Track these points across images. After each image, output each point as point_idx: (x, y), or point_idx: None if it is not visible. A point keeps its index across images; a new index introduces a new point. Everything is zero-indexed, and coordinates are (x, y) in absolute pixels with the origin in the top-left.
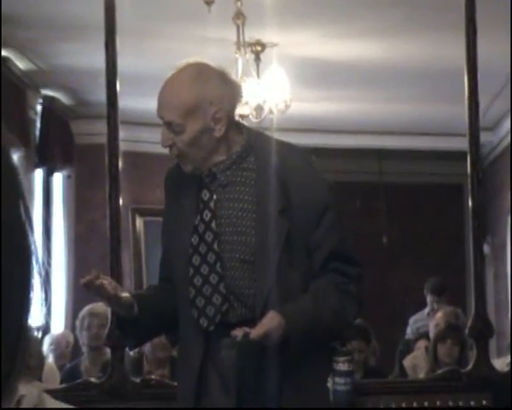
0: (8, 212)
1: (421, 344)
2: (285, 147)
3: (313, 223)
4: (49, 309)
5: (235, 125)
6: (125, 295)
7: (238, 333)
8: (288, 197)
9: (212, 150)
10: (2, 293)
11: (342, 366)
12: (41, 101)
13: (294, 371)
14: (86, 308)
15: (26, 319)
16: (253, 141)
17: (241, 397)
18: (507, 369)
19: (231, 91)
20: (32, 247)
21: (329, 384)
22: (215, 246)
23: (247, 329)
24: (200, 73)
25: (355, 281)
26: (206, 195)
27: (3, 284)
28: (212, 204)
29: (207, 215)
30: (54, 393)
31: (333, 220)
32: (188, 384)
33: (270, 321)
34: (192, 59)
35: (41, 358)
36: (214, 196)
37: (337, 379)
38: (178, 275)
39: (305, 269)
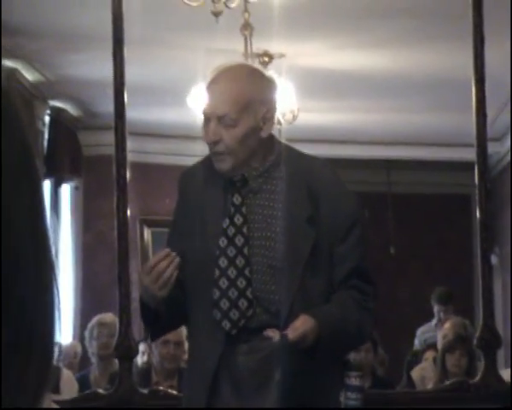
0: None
1: (429, 355)
2: (313, 159)
3: (340, 236)
4: (60, 320)
5: (269, 135)
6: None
7: (272, 334)
8: (317, 207)
9: (253, 153)
10: (35, 313)
11: (354, 380)
12: (49, 112)
13: (311, 381)
14: (95, 318)
15: (55, 338)
16: (283, 151)
17: (282, 401)
18: None
19: (276, 97)
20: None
21: (341, 398)
22: (245, 251)
23: (281, 331)
24: (254, 72)
25: (372, 299)
26: (237, 199)
27: (35, 304)
28: (244, 209)
29: (239, 219)
30: (62, 404)
31: (359, 236)
32: (199, 388)
33: (305, 323)
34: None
35: (56, 369)
36: (245, 201)
37: (349, 394)
38: (198, 275)
39: (328, 279)
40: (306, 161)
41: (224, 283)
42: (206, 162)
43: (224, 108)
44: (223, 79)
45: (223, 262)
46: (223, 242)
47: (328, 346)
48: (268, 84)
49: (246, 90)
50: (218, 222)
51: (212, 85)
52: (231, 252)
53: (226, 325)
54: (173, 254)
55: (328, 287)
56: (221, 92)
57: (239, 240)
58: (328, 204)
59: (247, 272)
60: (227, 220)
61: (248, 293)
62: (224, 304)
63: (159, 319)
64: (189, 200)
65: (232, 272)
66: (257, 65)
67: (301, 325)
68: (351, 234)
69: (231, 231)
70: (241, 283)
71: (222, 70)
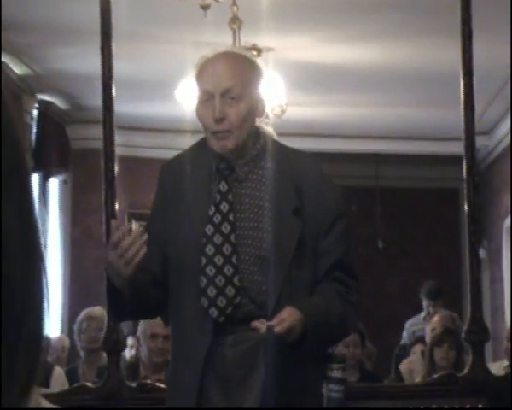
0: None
1: (418, 348)
2: (299, 153)
3: (324, 228)
4: (49, 311)
5: (255, 126)
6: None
7: (260, 326)
8: (302, 200)
9: (249, 136)
10: (24, 305)
11: (337, 373)
12: (37, 105)
13: (294, 374)
14: (84, 312)
15: (44, 329)
16: (269, 143)
17: (265, 392)
18: (503, 373)
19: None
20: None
21: (323, 390)
22: (232, 238)
23: (267, 322)
24: (249, 57)
25: (355, 293)
26: (224, 187)
27: (24, 296)
28: (230, 196)
29: (225, 207)
30: (50, 397)
31: (343, 230)
32: (188, 381)
33: (292, 316)
34: None
35: (47, 364)
36: (232, 189)
37: (331, 386)
38: (183, 264)
39: (313, 271)
40: (290, 153)
41: (211, 270)
42: (192, 152)
43: (230, 82)
44: (223, 58)
45: (209, 250)
46: (209, 229)
47: (313, 338)
48: (261, 70)
49: (248, 68)
50: (204, 210)
51: (212, 63)
52: (218, 239)
53: (213, 312)
54: (138, 229)
55: (312, 279)
56: (225, 68)
57: (225, 227)
58: (313, 197)
59: (234, 259)
60: (213, 208)
61: (235, 280)
62: (212, 291)
63: (122, 301)
64: (170, 189)
65: (219, 260)
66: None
67: (288, 317)
68: (335, 227)
69: (217, 218)
70: (228, 270)
71: (219, 52)
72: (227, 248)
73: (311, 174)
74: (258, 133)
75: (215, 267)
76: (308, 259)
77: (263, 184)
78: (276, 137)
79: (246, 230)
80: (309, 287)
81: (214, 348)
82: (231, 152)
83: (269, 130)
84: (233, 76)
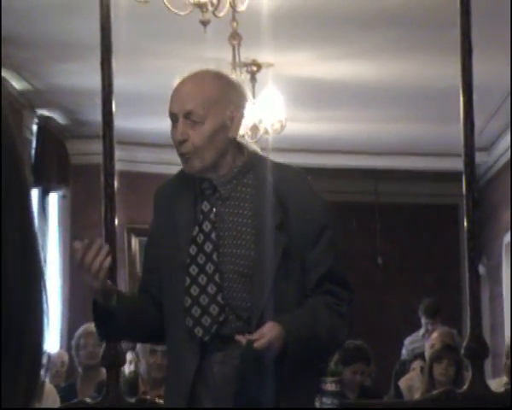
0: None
1: (417, 365)
2: (283, 167)
3: (310, 241)
4: (49, 326)
5: (236, 143)
6: (109, 282)
7: (241, 339)
8: (286, 213)
9: (221, 155)
10: (24, 321)
11: (330, 386)
12: (37, 120)
13: (283, 386)
14: (81, 328)
15: (44, 345)
16: (252, 159)
17: (240, 405)
18: (502, 389)
19: (246, 100)
20: (43, 266)
21: (317, 404)
22: (214, 257)
23: (249, 336)
24: (221, 74)
25: (347, 304)
26: (206, 206)
27: (25, 304)
28: (212, 216)
29: (207, 226)
30: None
31: (329, 241)
32: (178, 400)
33: (271, 331)
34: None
35: (41, 380)
36: (214, 209)
37: (324, 399)
38: (172, 285)
39: (300, 284)
40: (275, 167)
41: (195, 290)
42: (179, 175)
43: (190, 105)
44: (189, 80)
45: (193, 270)
46: (193, 249)
47: (296, 352)
48: (234, 87)
49: (212, 89)
50: (189, 231)
51: (178, 87)
52: (201, 259)
53: (199, 331)
54: (98, 243)
55: (300, 293)
56: (188, 90)
57: (208, 247)
58: (298, 210)
59: (216, 277)
60: (196, 228)
61: (219, 298)
62: (196, 311)
63: (110, 321)
64: (161, 214)
65: (202, 279)
66: (226, 71)
67: (267, 332)
68: (321, 239)
69: (200, 238)
70: (212, 289)
71: (188, 75)
72: (210, 267)
73: (295, 187)
74: (240, 149)
75: (199, 287)
76: (295, 273)
77: (246, 202)
78: (260, 153)
79: (229, 247)
80: (297, 300)
81: (204, 366)
82: (197, 173)
83: (251, 145)
84: (194, 98)
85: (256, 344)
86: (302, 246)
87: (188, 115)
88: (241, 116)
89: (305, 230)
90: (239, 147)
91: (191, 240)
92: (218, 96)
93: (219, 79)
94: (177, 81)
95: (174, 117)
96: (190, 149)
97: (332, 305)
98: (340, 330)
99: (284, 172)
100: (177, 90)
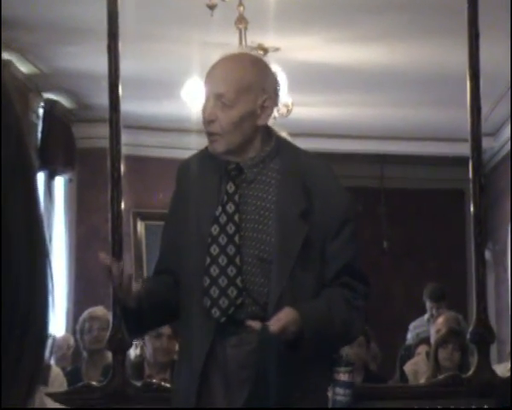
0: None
1: (422, 350)
2: (311, 155)
3: (332, 233)
4: (54, 308)
5: (266, 128)
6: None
7: (254, 325)
8: (310, 202)
9: (248, 140)
10: (30, 303)
11: (343, 376)
12: (43, 104)
13: (296, 376)
14: (86, 312)
15: (49, 328)
16: (280, 145)
17: (256, 390)
18: (508, 375)
19: (279, 90)
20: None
21: (329, 394)
22: (236, 239)
23: (260, 323)
24: (259, 60)
25: (363, 298)
26: (231, 187)
27: (30, 294)
28: (236, 197)
29: (231, 207)
30: (55, 396)
31: (350, 235)
32: (189, 380)
33: (287, 315)
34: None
35: (47, 363)
36: (239, 191)
37: (337, 389)
38: (191, 264)
39: (318, 274)
40: (302, 155)
41: (214, 270)
42: (205, 152)
43: (223, 87)
44: (225, 61)
45: (214, 250)
46: (215, 229)
47: (311, 340)
48: (270, 75)
49: (247, 74)
50: (212, 210)
51: (214, 67)
52: (223, 240)
53: (216, 312)
54: (118, 266)
55: (318, 282)
56: (222, 72)
57: (230, 228)
58: (322, 200)
59: (237, 260)
60: (219, 208)
61: (238, 281)
62: (214, 292)
63: (141, 318)
64: (185, 189)
65: (223, 260)
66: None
67: (284, 317)
68: (343, 231)
69: (223, 218)
70: (232, 271)
71: (225, 55)
72: (231, 249)
73: (322, 177)
74: (269, 134)
75: (219, 267)
76: (314, 262)
77: (271, 186)
78: (289, 139)
79: (250, 231)
80: (314, 290)
81: (217, 349)
82: (222, 154)
83: (281, 131)
84: (228, 82)
85: (272, 327)
86: (323, 237)
87: (219, 97)
88: (273, 105)
89: (327, 221)
90: (268, 132)
91: (214, 220)
92: (251, 83)
93: (256, 65)
94: (215, 59)
95: (207, 96)
96: (217, 129)
97: (349, 298)
98: (354, 324)
99: (311, 161)
100: (212, 70)
